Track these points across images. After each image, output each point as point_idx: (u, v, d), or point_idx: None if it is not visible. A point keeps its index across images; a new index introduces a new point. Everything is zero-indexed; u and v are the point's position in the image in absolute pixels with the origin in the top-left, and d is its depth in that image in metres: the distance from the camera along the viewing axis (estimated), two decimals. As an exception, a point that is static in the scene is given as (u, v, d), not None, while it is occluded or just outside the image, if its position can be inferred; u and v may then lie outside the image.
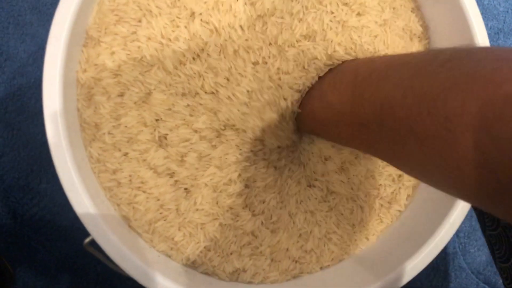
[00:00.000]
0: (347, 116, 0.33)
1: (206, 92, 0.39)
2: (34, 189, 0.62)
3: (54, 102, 0.35)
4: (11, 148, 0.61)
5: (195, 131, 0.40)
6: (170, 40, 0.39)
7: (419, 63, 0.28)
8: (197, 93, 0.39)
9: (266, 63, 0.39)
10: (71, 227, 0.63)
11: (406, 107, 0.26)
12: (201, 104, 0.40)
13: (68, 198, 0.35)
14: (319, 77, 0.39)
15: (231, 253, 0.42)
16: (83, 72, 0.38)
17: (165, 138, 0.40)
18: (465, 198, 0.26)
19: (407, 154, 0.28)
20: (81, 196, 0.35)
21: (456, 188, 0.25)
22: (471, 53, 0.25)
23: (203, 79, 0.39)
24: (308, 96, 0.39)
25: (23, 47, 0.62)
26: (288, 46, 0.39)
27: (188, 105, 0.39)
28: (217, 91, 0.39)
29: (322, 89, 0.37)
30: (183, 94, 0.39)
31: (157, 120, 0.39)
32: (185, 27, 0.39)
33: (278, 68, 0.39)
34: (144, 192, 0.40)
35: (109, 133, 0.39)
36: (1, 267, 0.58)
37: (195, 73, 0.39)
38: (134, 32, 0.39)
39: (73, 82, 0.38)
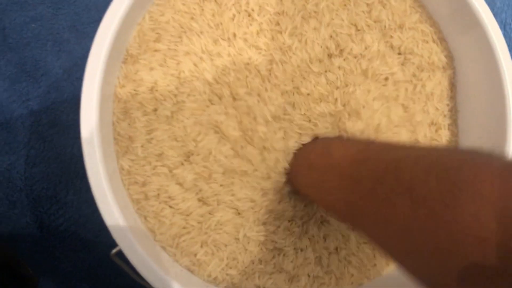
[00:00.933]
0: (342, 168, 0.33)
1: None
2: (61, 200, 0.63)
3: (91, 115, 0.36)
4: (42, 159, 0.63)
5: (222, 149, 0.41)
6: (211, 55, 0.41)
7: (442, 149, 0.28)
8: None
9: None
10: (95, 239, 0.64)
11: (414, 171, 0.26)
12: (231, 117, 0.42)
13: (99, 208, 0.36)
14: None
15: (252, 273, 0.42)
16: (121, 87, 0.40)
17: (193, 154, 0.41)
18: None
19: (394, 216, 0.27)
20: (111, 207, 0.36)
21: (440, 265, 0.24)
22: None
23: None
24: (310, 142, 0.40)
25: (59, 63, 0.64)
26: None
27: (216, 121, 0.41)
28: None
29: (325, 143, 0.38)
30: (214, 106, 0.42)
31: (186, 135, 0.41)
32: (228, 45, 0.41)
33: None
34: (170, 207, 0.41)
35: (141, 147, 0.40)
36: (26, 275, 0.59)
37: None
38: (174, 49, 0.41)
39: (110, 97, 0.40)
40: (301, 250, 0.43)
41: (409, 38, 0.45)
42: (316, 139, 0.42)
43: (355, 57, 0.43)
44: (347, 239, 0.44)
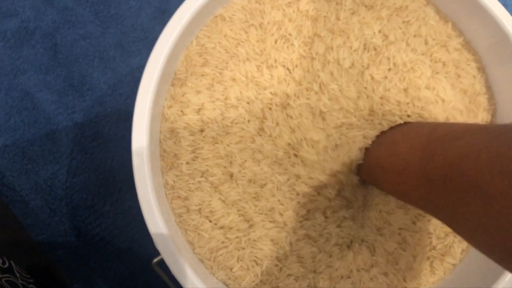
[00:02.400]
0: (414, 167, 0.34)
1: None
2: (99, 211, 0.66)
3: (142, 132, 0.38)
4: (82, 171, 0.66)
5: (263, 169, 0.43)
6: (256, 84, 0.43)
7: (498, 129, 0.28)
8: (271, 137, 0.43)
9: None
10: (128, 250, 0.66)
11: (477, 167, 0.27)
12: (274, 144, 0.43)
13: (144, 218, 0.38)
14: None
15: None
16: (168, 108, 0.43)
17: (237, 177, 0.43)
18: None
19: (469, 214, 0.28)
20: (156, 218, 0.38)
21: None
22: None
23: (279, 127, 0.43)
24: (375, 143, 0.41)
25: (104, 79, 0.67)
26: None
27: (262, 144, 0.43)
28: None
29: (392, 139, 0.39)
30: (259, 135, 0.43)
31: (230, 155, 0.43)
32: (271, 75, 0.43)
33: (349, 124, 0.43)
34: (210, 221, 0.43)
35: (186, 163, 0.42)
36: (61, 281, 0.62)
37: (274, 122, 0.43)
38: (220, 74, 0.43)
39: (158, 116, 0.42)
40: (336, 270, 0.44)
41: (452, 60, 0.46)
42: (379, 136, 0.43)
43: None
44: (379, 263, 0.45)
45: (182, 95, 0.43)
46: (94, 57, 0.67)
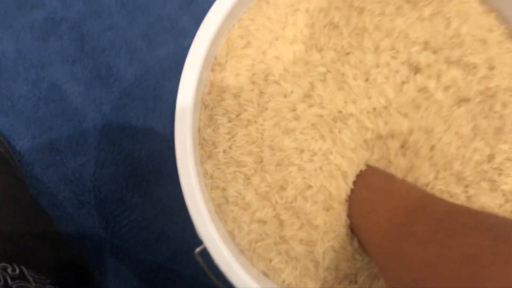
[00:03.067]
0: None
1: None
2: (127, 203, 0.65)
3: (185, 120, 0.38)
4: (111, 162, 0.66)
5: (295, 162, 0.42)
6: (305, 63, 0.42)
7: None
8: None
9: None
10: (155, 242, 0.66)
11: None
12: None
13: (188, 208, 0.37)
14: None
15: (325, 281, 0.43)
16: (208, 94, 0.42)
17: (267, 156, 0.42)
18: None
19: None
20: (200, 207, 0.37)
21: None
22: None
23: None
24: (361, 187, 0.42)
25: (131, 70, 0.67)
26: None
27: (304, 109, 0.42)
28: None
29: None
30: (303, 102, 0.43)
31: (261, 137, 0.42)
32: (321, 56, 0.42)
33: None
34: (247, 213, 0.42)
35: (223, 152, 0.42)
36: (90, 273, 0.61)
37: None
38: (263, 53, 0.42)
39: (198, 103, 0.41)
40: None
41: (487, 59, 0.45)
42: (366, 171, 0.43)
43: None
44: None
45: (221, 80, 0.42)
46: (121, 48, 0.67)
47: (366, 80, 0.43)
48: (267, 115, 0.42)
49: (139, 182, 0.66)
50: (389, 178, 0.40)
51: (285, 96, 0.43)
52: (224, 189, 0.42)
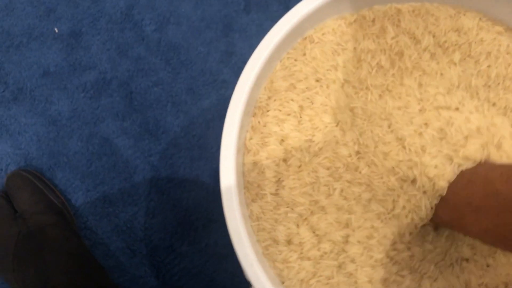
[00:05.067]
0: None
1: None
2: (177, 250, 0.67)
3: (229, 166, 0.39)
4: (160, 211, 0.68)
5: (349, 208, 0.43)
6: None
7: None
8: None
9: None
10: (206, 289, 0.66)
11: None
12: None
13: (235, 250, 0.38)
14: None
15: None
16: (249, 139, 0.44)
17: (324, 200, 0.43)
18: None
19: None
20: (246, 249, 0.38)
21: None
22: None
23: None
24: (463, 182, 0.39)
25: (177, 122, 0.70)
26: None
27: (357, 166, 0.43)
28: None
29: (487, 178, 0.37)
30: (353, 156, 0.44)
31: (316, 182, 0.43)
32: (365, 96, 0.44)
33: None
34: (298, 252, 0.42)
35: (270, 194, 0.43)
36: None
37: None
38: (309, 98, 0.44)
39: (241, 148, 0.43)
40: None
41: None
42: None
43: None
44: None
45: (264, 126, 0.44)
46: (167, 102, 0.71)
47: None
48: (320, 164, 0.44)
49: (187, 230, 0.67)
50: None
51: (336, 145, 0.44)
52: (272, 230, 0.43)
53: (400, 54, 0.46)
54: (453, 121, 0.41)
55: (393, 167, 0.42)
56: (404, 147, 0.42)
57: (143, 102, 0.71)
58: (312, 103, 0.45)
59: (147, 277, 0.66)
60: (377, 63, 0.46)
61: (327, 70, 0.45)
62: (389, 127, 0.43)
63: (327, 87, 0.46)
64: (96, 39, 0.72)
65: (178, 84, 0.71)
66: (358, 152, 0.43)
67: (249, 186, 0.43)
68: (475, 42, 0.46)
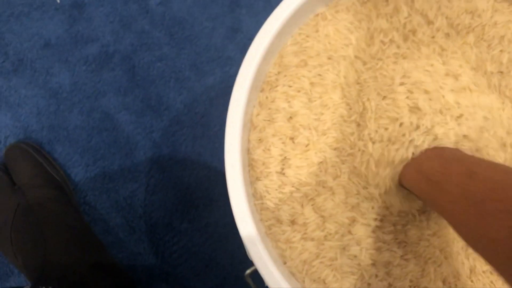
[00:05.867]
0: (462, 183, 0.34)
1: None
2: (176, 228, 0.66)
3: (235, 142, 0.38)
4: (160, 188, 0.67)
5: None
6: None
7: None
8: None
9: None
10: (205, 268, 0.66)
11: None
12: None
13: (238, 229, 0.37)
14: None
15: None
16: (256, 115, 0.43)
17: (332, 181, 0.42)
18: None
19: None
20: (250, 228, 0.37)
21: None
22: None
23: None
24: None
25: (180, 98, 0.69)
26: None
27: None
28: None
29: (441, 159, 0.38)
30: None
31: (324, 161, 0.42)
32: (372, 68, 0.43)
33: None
34: (301, 233, 0.42)
35: (276, 172, 0.42)
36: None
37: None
38: (320, 75, 0.43)
39: (247, 124, 0.42)
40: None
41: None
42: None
43: None
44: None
45: (272, 101, 0.43)
46: (170, 78, 0.69)
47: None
48: (328, 142, 0.43)
49: (188, 208, 0.67)
50: None
51: (345, 123, 0.43)
52: (275, 209, 0.42)
53: (413, 31, 0.44)
54: (468, 101, 0.40)
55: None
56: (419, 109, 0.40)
57: (145, 77, 0.69)
58: (323, 80, 0.44)
59: (146, 254, 0.66)
60: (390, 39, 0.44)
61: (340, 47, 0.44)
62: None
63: (338, 63, 0.44)
64: (99, 11, 0.70)
65: (182, 60, 0.70)
66: (358, 124, 0.43)
67: (253, 163, 0.42)
68: (489, 25, 0.44)
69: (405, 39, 0.44)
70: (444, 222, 0.43)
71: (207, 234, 0.66)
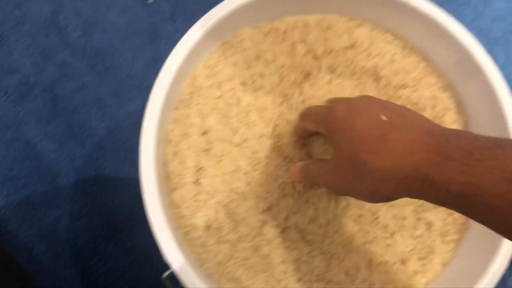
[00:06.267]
0: None
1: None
2: (102, 252, 0.67)
3: (149, 154, 0.42)
4: (84, 214, 0.68)
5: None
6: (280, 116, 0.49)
7: None
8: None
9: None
10: (131, 290, 0.67)
11: None
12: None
13: (154, 235, 0.40)
14: None
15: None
16: (171, 131, 0.46)
17: (244, 187, 0.46)
18: None
19: None
20: (166, 236, 0.41)
21: None
22: None
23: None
24: None
25: (102, 125, 0.71)
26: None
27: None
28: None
29: None
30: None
31: (238, 170, 0.46)
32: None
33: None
34: (216, 237, 0.45)
35: (191, 183, 0.45)
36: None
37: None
38: (233, 97, 0.48)
39: (164, 139, 0.46)
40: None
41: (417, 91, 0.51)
42: None
43: None
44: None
45: (186, 117, 0.47)
46: (92, 106, 0.71)
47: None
48: (243, 154, 0.47)
49: (113, 231, 0.68)
50: None
51: (259, 139, 0.48)
52: (191, 217, 0.45)
53: (308, 74, 0.51)
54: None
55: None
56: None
57: (67, 106, 0.71)
58: (239, 102, 0.49)
59: (72, 279, 0.66)
60: (294, 80, 0.50)
61: (251, 76, 0.49)
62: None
63: (255, 90, 0.50)
64: (19, 43, 0.72)
65: (104, 89, 0.72)
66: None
67: (169, 175, 0.46)
68: (368, 55, 0.52)
69: (306, 75, 0.50)
70: (345, 221, 0.48)
71: (133, 256, 0.68)
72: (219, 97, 0.48)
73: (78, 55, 0.73)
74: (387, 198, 0.35)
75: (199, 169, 0.46)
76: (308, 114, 0.44)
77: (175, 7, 0.77)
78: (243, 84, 0.49)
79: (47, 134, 0.69)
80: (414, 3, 0.49)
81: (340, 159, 0.36)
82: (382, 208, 0.48)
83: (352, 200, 0.48)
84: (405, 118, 0.34)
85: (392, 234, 0.49)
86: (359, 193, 0.36)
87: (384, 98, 0.49)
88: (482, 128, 0.50)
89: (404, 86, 0.51)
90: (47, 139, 0.69)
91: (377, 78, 0.51)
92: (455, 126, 0.51)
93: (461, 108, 0.52)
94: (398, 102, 0.49)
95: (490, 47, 0.81)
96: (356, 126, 0.34)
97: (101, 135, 0.71)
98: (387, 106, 0.36)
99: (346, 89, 0.51)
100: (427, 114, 0.50)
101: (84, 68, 0.73)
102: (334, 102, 0.39)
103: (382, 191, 0.33)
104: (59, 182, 0.68)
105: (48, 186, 0.68)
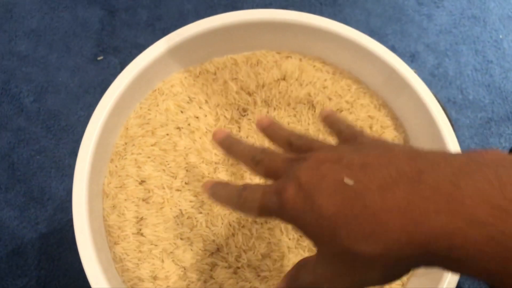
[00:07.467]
0: None
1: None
2: (72, 316, 0.66)
3: (82, 211, 0.42)
4: (52, 278, 0.67)
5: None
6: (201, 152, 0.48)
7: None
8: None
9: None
10: None
11: None
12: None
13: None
14: None
15: None
16: (108, 184, 0.46)
17: (189, 232, 0.46)
18: None
19: None
20: (107, 290, 0.40)
21: None
22: None
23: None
24: None
25: (62, 186, 0.71)
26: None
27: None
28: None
29: None
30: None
31: (180, 215, 0.46)
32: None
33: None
34: (164, 286, 0.44)
35: (132, 234, 0.45)
36: None
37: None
38: (169, 143, 0.49)
39: (99, 194, 0.46)
40: None
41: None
42: None
43: None
44: None
45: (122, 169, 0.47)
46: (50, 168, 0.72)
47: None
48: (185, 197, 0.47)
49: (82, 293, 0.67)
50: None
51: (200, 180, 0.48)
52: (136, 269, 0.45)
53: (245, 110, 0.52)
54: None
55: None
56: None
57: (26, 172, 0.71)
58: (176, 146, 0.49)
59: None
60: (231, 117, 0.51)
61: (186, 119, 0.50)
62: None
63: (191, 132, 0.50)
64: (-29, 116, 0.72)
65: (61, 150, 0.73)
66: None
67: (110, 229, 0.45)
68: (300, 84, 0.53)
69: (243, 111, 0.51)
70: (301, 252, 0.48)
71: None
72: (154, 144, 0.48)
73: (32, 119, 0.74)
74: (406, 274, 0.26)
75: (140, 219, 0.46)
76: (253, 210, 0.30)
77: (124, 61, 0.78)
78: (178, 128, 0.49)
79: (7, 202, 0.69)
80: (336, 29, 0.50)
81: (329, 258, 0.27)
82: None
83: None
84: (376, 167, 0.25)
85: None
86: (375, 281, 0.27)
87: (322, 125, 0.50)
88: (422, 141, 0.50)
89: (340, 110, 0.51)
90: (7, 207, 0.69)
91: (312, 106, 0.52)
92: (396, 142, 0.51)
93: (398, 124, 0.52)
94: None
95: (440, 59, 0.82)
96: (322, 211, 0.25)
97: (62, 196, 0.71)
98: (341, 158, 0.26)
99: (284, 120, 0.51)
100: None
101: (40, 132, 0.73)
102: (279, 187, 0.28)
103: (396, 273, 0.25)
104: (24, 249, 0.68)
105: (12, 254, 0.67)
